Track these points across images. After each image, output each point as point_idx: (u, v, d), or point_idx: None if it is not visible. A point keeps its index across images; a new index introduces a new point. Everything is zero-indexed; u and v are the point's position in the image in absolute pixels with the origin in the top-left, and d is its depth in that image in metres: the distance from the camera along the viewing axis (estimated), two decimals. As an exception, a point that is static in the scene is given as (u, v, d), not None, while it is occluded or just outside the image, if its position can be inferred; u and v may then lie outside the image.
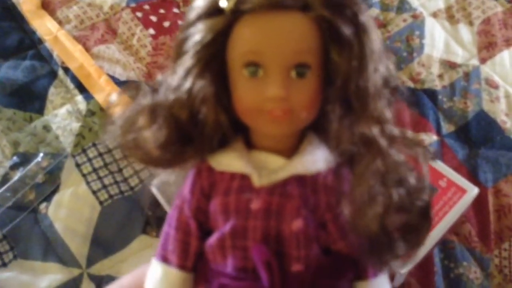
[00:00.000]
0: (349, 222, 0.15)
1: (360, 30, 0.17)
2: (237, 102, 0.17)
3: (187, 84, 0.17)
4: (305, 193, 0.16)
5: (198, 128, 0.17)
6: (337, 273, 0.16)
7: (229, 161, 0.17)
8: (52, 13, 0.68)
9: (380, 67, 0.17)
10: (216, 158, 0.17)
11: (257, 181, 0.17)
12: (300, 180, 0.17)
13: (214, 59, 0.17)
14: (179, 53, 0.18)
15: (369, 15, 0.17)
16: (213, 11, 0.17)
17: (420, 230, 0.16)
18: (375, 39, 0.17)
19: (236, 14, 0.17)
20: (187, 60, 0.17)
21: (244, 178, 0.17)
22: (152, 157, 0.18)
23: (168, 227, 0.18)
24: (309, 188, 0.16)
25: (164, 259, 0.18)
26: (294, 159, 0.17)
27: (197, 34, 0.17)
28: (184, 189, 0.18)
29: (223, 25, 0.17)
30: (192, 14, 0.18)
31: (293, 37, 0.16)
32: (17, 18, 0.68)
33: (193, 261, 0.17)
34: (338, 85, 0.16)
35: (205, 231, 0.18)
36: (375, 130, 0.16)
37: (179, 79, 0.17)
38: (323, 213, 0.16)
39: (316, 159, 0.17)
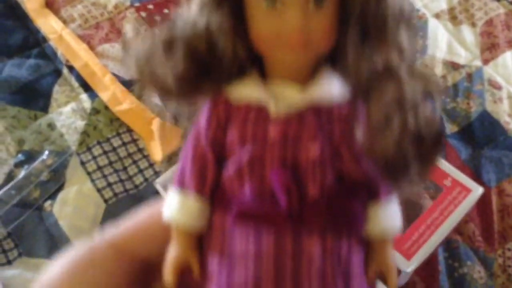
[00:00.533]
0: (365, 147, 0.16)
1: None
2: (254, 34, 0.17)
3: (204, 17, 0.16)
4: (320, 122, 0.17)
5: (216, 60, 0.17)
6: (351, 195, 0.17)
7: (246, 91, 0.17)
8: (56, 12, 0.68)
9: None
10: (232, 89, 0.17)
11: (274, 110, 0.17)
12: (316, 109, 0.17)
13: None
14: None
15: None
16: None
17: (433, 154, 0.16)
18: None
19: None
20: None
21: (260, 109, 0.17)
22: (169, 89, 0.17)
23: (185, 158, 0.18)
24: (325, 117, 0.17)
25: (182, 188, 0.18)
26: (309, 88, 0.17)
27: None
28: (200, 121, 0.18)
29: None
30: None
31: None
32: (21, 17, 0.68)
33: (210, 190, 0.17)
34: (357, 12, 0.16)
35: (221, 162, 0.18)
36: (394, 58, 0.16)
37: (195, 12, 0.17)
38: (338, 142, 0.17)
39: (331, 88, 0.17)
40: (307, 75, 0.17)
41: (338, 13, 0.17)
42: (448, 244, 0.48)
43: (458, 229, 0.49)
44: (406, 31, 0.17)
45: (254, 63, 0.18)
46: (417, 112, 0.15)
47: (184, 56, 0.17)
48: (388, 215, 0.17)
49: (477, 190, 0.42)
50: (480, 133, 0.55)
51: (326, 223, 0.16)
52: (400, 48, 0.16)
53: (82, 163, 0.54)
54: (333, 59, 0.18)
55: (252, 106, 0.17)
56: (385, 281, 0.18)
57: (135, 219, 0.20)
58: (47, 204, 0.52)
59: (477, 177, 0.52)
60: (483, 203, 0.50)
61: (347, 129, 0.16)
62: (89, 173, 0.54)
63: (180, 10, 0.18)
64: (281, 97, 0.17)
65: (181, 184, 0.18)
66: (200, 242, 0.18)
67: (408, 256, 0.40)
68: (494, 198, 0.50)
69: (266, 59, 0.18)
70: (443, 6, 0.67)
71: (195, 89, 0.17)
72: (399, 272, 0.41)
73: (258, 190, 0.16)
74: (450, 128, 0.56)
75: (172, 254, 0.17)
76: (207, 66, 0.17)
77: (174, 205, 0.18)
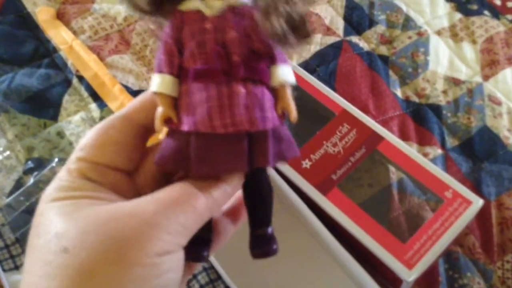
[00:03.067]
0: (262, 29, 0.25)
1: None
2: None
3: None
4: (235, 18, 0.26)
5: None
6: (259, 60, 0.27)
7: (190, 4, 0.27)
8: (67, 23, 0.70)
9: None
10: (183, 5, 0.27)
11: (208, 13, 0.26)
12: (233, 10, 0.26)
13: None
14: None
15: None
16: None
17: (302, 30, 0.25)
18: None
19: None
20: None
21: (200, 13, 0.26)
22: (145, 10, 0.26)
23: (160, 54, 0.27)
24: (238, 15, 0.26)
25: (160, 72, 0.27)
26: None
27: None
28: (166, 29, 0.27)
29: None
30: None
31: None
32: (33, 28, 0.69)
33: (177, 71, 0.27)
34: None
35: (181, 52, 0.27)
36: None
37: None
38: (248, 29, 0.26)
39: None
40: None
41: None
42: (448, 255, 0.49)
43: (459, 241, 0.50)
44: None
45: None
46: (290, 6, 0.25)
47: None
48: (283, 73, 0.27)
49: (478, 202, 0.43)
50: (480, 147, 0.56)
51: (246, 76, 0.26)
52: None
53: (90, 171, 0.55)
54: None
55: (195, 12, 0.27)
56: (288, 116, 0.27)
57: (135, 100, 0.29)
58: (55, 210, 0.53)
59: (477, 191, 0.53)
60: (483, 216, 0.51)
61: (253, 21, 0.26)
62: (97, 181, 0.55)
63: None
64: (211, 6, 0.27)
65: (159, 70, 0.27)
66: (175, 103, 0.27)
67: (409, 266, 0.41)
68: (493, 211, 0.51)
69: None
70: (445, 23, 0.68)
71: (161, 8, 0.26)
72: (401, 281, 0.42)
73: (204, 61, 0.26)
74: (451, 142, 0.57)
75: (159, 112, 0.27)
76: None
77: (156, 83, 0.27)
